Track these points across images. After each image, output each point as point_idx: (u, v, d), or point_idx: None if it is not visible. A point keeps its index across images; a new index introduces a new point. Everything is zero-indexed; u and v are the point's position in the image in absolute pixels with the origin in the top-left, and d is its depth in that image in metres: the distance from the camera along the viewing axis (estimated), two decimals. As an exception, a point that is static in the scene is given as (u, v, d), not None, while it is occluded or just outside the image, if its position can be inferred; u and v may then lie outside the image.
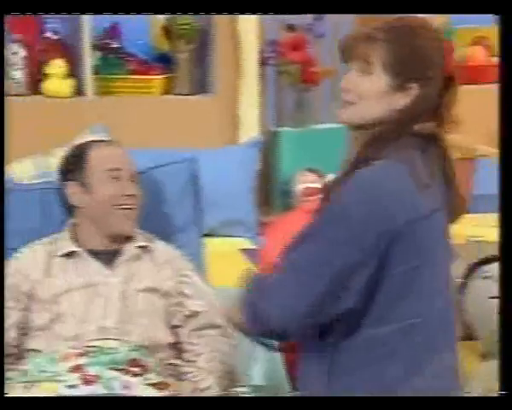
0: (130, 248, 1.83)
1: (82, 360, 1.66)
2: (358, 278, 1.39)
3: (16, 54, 2.44)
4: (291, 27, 2.76)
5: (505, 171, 1.48)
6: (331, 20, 2.72)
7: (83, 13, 2.07)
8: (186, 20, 2.57)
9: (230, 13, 2.37)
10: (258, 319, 1.42)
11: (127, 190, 1.80)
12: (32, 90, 2.48)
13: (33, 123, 2.40)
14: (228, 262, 2.19)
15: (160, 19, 2.68)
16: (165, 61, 2.68)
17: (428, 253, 1.45)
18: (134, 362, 1.68)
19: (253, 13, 2.44)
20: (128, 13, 2.21)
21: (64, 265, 1.81)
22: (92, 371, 1.64)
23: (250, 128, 2.59)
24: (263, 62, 2.68)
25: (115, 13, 2.23)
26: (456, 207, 1.51)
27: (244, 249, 2.34)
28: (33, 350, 1.74)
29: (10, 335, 1.74)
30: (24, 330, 1.77)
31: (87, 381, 1.62)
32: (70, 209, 1.86)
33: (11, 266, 1.81)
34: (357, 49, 1.45)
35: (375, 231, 1.40)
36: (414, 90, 1.44)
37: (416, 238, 1.43)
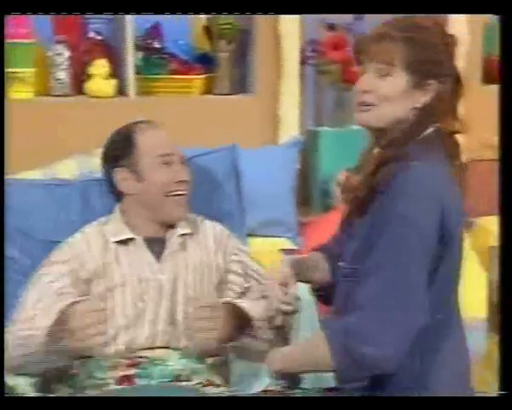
0: (174, 239, 1.80)
1: (131, 371, 1.64)
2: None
3: (61, 55, 2.47)
4: (331, 27, 2.76)
5: (505, 172, 1.47)
6: (371, 19, 2.70)
7: (83, 13, 2.09)
8: (227, 19, 2.58)
9: (271, 13, 2.37)
10: (357, 365, 1.39)
11: (179, 175, 1.79)
12: (75, 90, 2.51)
13: (76, 123, 2.43)
14: (268, 262, 2.20)
15: (202, 19, 2.70)
16: (205, 61, 2.69)
17: (460, 252, 1.48)
18: (183, 375, 1.66)
19: (294, 13, 2.43)
20: (162, 13, 2.21)
21: (118, 253, 1.78)
22: (141, 384, 1.62)
23: (290, 128, 2.59)
24: (303, 62, 2.67)
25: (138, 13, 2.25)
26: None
27: (284, 250, 2.34)
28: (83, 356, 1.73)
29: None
30: None
31: None
32: (119, 196, 1.84)
33: (65, 251, 1.79)
34: (376, 50, 1.46)
35: (439, 234, 1.42)
36: (433, 86, 1.45)
37: (458, 237, 1.46)
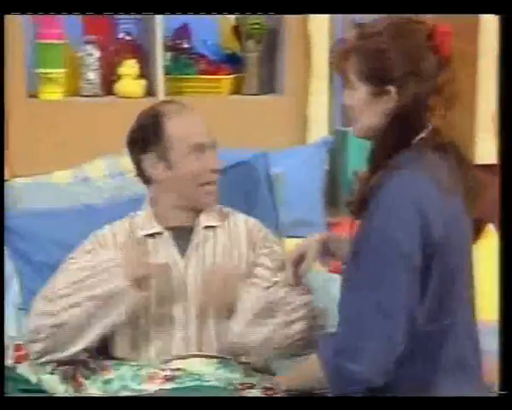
0: (198, 230, 1.75)
1: (167, 386, 1.58)
2: (416, 295, 1.42)
3: (91, 55, 2.49)
4: (360, 26, 2.73)
5: (505, 174, 1.47)
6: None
7: (83, 13, 2.09)
8: (256, 19, 2.57)
9: (301, 13, 2.36)
10: (347, 381, 1.42)
11: (211, 164, 1.74)
12: (105, 90, 2.53)
13: (106, 124, 2.44)
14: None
15: (230, 18, 2.69)
16: (234, 61, 2.69)
17: (461, 258, 1.48)
18: (217, 390, 1.60)
19: (322, 13, 2.41)
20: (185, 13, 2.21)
21: (145, 248, 1.75)
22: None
23: (319, 128, 2.57)
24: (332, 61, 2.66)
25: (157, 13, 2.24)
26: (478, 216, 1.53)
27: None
28: (116, 358, 1.71)
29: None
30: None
31: None
32: (147, 181, 1.80)
33: (91, 241, 1.78)
34: (336, 66, 1.54)
35: (421, 246, 1.42)
36: (392, 91, 1.46)
37: (450, 245, 1.45)
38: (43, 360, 1.67)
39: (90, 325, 1.64)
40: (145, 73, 2.55)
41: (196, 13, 2.16)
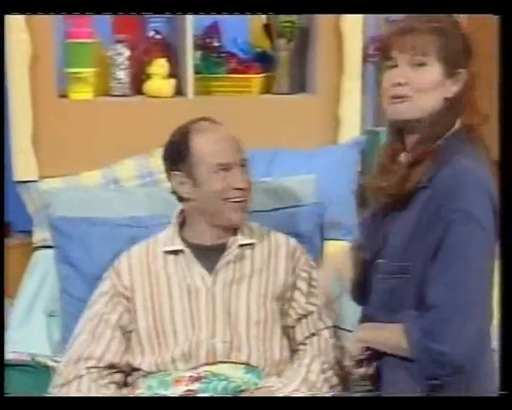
0: (232, 249, 1.77)
1: (194, 386, 1.61)
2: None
3: (121, 54, 2.47)
4: (394, 22, 2.68)
5: (505, 172, 1.47)
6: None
7: (83, 13, 2.07)
8: (288, 17, 2.53)
9: (332, 12, 2.32)
10: (436, 363, 1.42)
11: (237, 182, 1.73)
12: (134, 90, 2.51)
13: (135, 123, 2.42)
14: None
15: (261, 17, 2.66)
16: (264, 60, 2.65)
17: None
18: (247, 390, 1.63)
19: (354, 12, 2.36)
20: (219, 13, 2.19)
21: (166, 265, 1.77)
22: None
23: (351, 128, 2.53)
24: (365, 60, 2.61)
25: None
26: None
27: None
28: (140, 370, 1.72)
29: (113, 345, 1.71)
30: (131, 340, 1.74)
31: None
32: (180, 198, 1.81)
33: (110, 270, 1.81)
34: (410, 42, 1.49)
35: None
36: (463, 75, 1.50)
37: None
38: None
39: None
40: (175, 72, 2.53)
41: (230, 13, 2.14)
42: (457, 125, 1.51)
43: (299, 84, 2.62)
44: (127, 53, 2.47)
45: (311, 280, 1.80)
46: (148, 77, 2.50)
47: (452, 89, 1.50)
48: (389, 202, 1.53)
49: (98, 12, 2.12)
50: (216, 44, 2.63)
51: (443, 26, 1.51)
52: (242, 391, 1.62)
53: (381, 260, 1.54)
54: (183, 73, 2.48)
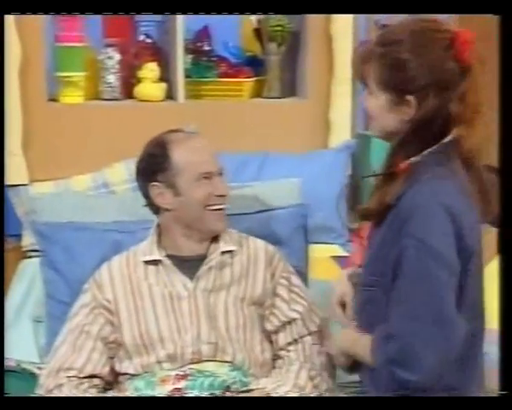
0: (214, 256, 1.79)
1: (181, 384, 1.63)
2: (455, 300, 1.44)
3: (111, 58, 2.47)
4: (384, 27, 2.69)
5: (505, 171, 1.46)
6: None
7: (82, 13, 2.07)
8: (278, 21, 2.54)
9: (323, 13, 2.33)
10: (398, 386, 1.43)
11: (219, 190, 1.76)
12: (125, 94, 2.51)
13: (126, 127, 2.42)
14: (318, 269, 2.16)
15: (251, 21, 2.66)
16: (255, 64, 2.66)
17: (479, 261, 1.50)
18: (233, 386, 1.65)
19: (344, 13, 2.37)
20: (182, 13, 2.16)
21: (146, 275, 1.78)
22: (191, 395, 1.61)
23: (341, 132, 2.53)
24: (355, 64, 2.62)
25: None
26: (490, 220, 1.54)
27: (335, 257, 2.29)
28: (127, 374, 1.73)
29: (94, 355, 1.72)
30: (112, 350, 1.75)
31: None
32: (156, 210, 1.82)
33: (90, 281, 1.81)
34: (356, 71, 1.55)
35: (458, 253, 1.44)
36: (412, 101, 1.46)
37: (478, 249, 1.47)
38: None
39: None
40: (165, 76, 2.53)
41: (218, 13, 2.14)
42: (447, 138, 1.47)
43: (290, 89, 2.63)
44: (118, 57, 2.47)
45: (291, 286, 1.83)
46: (139, 81, 2.50)
47: (407, 113, 1.47)
48: (366, 217, 1.56)
49: (98, 12, 2.12)
50: (206, 48, 2.63)
51: (384, 52, 1.47)
52: (230, 387, 1.63)
53: (360, 271, 1.57)
54: (174, 77, 2.49)
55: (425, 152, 1.47)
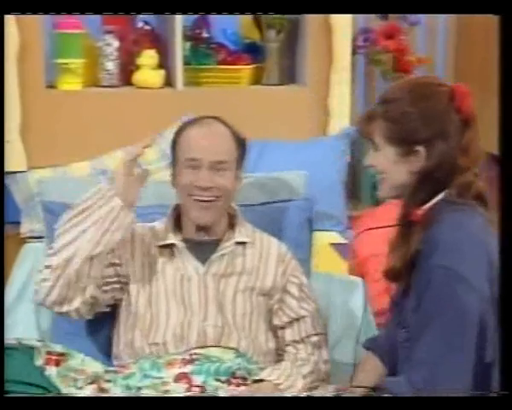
0: (228, 244, 1.79)
1: (187, 368, 1.63)
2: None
3: (110, 45, 2.45)
4: (384, 15, 2.68)
5: (505, 171, 1.47)
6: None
7: (82, 13, 2.07)
8: (277, 9, 2.53)
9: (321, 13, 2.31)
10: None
11: (199, 180, 1.74)
12: (123, 81, 2.50)
13: (124, 114, 2.42)
14: (318, 256, 2.16)
15: (250, 8, 2.65)
16: (254, 51, 2.65)
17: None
18: (238, 373, 1.64)
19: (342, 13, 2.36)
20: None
21: (160, 258, 1.79)
22: (198, 380, 1.61)
23: (341, 119, 2.53)
24: (354, 52, 2.61)
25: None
26: None
27: (334, 244, 2.29)
28: (130, 352, 1.73)
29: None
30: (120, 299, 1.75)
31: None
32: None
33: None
34: (362, 130, 1.57)
35: (487, 277, 1.45)
36: (421, 151, 1.50)
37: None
38: (57, 309, 1.71)
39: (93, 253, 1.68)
40: (164, 63, 2.52)
41: (219, 13, 2.13)
42: (452, 189, 1.51)
43: (289, 76, 2.62)
44: (116, 44, 2.46)
45: (301, 285, 1.84)
46: (138, 68, 2.49)
47: (416, 164, 1.51)
48: (399, 278, 1.56)
49: (98, 12, 2.12)
50: (205, 35, 2.62)
51: (387, 110, 1.51)
52: (235, 373, 1.64)
53: (402, 330, 1.56)
54: (173, 64, 2.48)
55: (435, 199, 1.51)
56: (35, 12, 1.89)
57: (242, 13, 2.32)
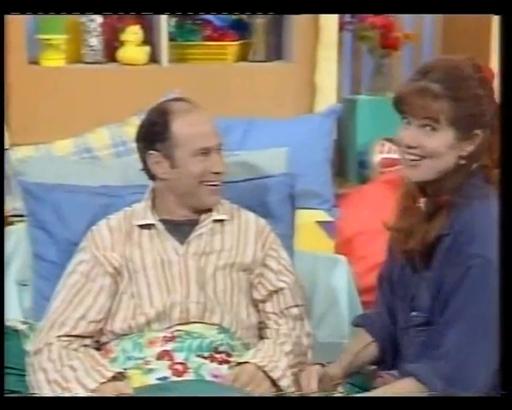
0: (206, 223, 1.79)
1: (169, 346, 1.62)
2: None
3: (93, 21, 2.42)
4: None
5: (505, 171, 1.45)
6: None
7: (82, 13, 2.04)
8: (263, -16, 2.50)
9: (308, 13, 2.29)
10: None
11: (216, 167, 1.75)
12: (107, 57, 2.47)
13: (109, 91, 2.39)
14: (304, 234, 2.15)
15: (236, -17, 2.62)
16: (240, 28, 2.62)
17: None
18: (220, 348, 1.64)
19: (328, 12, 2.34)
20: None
21: (140, 238, 1.79)
22: (180, 357, 1.60)
23: (327, 96, 2.51)
24: (341, 28, 2.59)
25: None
26: None
27: (320, 222, 2.28)
28: (113, 333, 1.73)
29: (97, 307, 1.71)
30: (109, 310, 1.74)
31: (178, 372, 1.58)
32: (152, 177, 1.81)
33: (88, 239, 1.80)
34: (419, 105, 1.44)
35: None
36: (479, 135, 1.46)
37: None
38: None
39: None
40: (149, 39, 2.49)
41: (218, 12, 2.11)
42: (473, 166, 1.48)
43: (276, 52, 2.60)
44: (100, 19, 2.43)
45: (279, 258, 1.84)
46: (122, 44, 2.46)
47: (467, 149, 1.46)
48: (415, 257, 1.52)
49: (98, 12, 2.09)
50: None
51: (455, 91, 1.44)
52: (217, 348, 1.64)
53: (414, 313, 1.53)
54: (158, 40, 2.45)
55: (464, 182, 1.48)
56: (35, 12, 1.86)
57: (231, 13, 2.30)
